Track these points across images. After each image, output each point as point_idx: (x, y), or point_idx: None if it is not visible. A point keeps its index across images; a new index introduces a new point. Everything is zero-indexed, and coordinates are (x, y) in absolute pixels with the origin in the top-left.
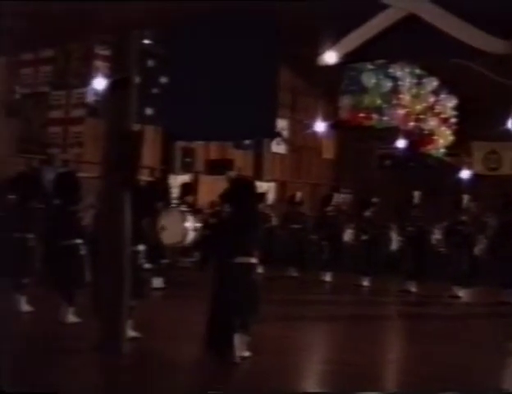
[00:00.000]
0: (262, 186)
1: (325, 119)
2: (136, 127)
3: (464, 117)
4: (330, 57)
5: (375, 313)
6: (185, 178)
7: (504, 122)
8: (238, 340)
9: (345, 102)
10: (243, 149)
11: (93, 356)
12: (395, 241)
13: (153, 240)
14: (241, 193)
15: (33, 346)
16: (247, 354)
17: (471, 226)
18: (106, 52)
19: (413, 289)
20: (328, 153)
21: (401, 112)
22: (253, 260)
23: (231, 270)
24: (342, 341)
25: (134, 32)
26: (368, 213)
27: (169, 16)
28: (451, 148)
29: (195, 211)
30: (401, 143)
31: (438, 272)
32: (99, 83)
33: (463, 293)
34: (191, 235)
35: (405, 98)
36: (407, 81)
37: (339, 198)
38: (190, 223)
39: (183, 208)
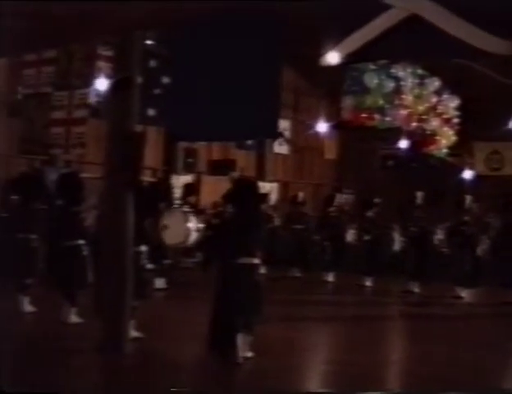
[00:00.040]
0: (264, 187)
1: (327, 119)
2: (138, 128)
3: (466, 118)
4: (332, 58)
5: (378, 314)
6: (187, 179)
7: (506, 123)
8: (241, 340)
9: (348, 102)
10: (245, 150)
11: (96, 357)
12: (397, 242)
13: (155, 241)
14: (244, 193)
15: (35, 347)
16: (249, 354)
17: (473, 227)
18: (108, 53)
19: (416, 289)
20: (330, 153)
21: (403, 112)
22: (256, 261)
23: (234, 271)
24: (345, 341)
25: (137, 33)
26: (370, 214)
27: (171, 17)
28: (453, 149)
29: (198, 211)
30: (403, 143)
31: (441, 273)
32: (102, 83)
33: (465, 293)
34: (194, 236)
35: (408, 98)
36: (409, 81)
37: (341, 198)
38: (193, 224)
39: (185, 208)
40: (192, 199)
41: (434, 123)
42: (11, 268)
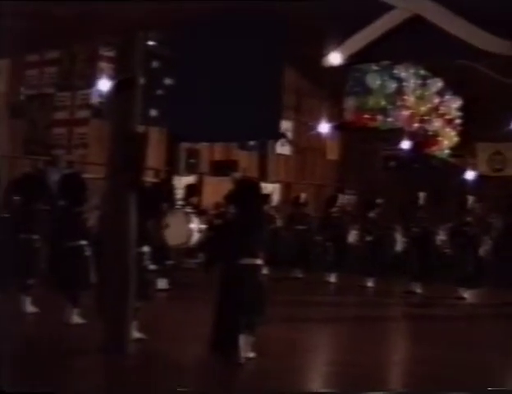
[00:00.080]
0: (266, 187)
1: (329, 120)
2: (141, 128)
3: (468, 118)
4: (334, 59)
5: (380, 315)
6: (189, 179)
7: (508, 123)
8: (243, 341)
9: (350, 103)
10: (247, 150)
11: (98, 357)
12: (399, 242)
13: (157, 242)
14: (246, 194)
15: (37, 347)
16: (252, 355)
17: (476, 228)
18: (110, 54)
19: (418, 290)
20: (333, 154)
21: (406, 113)
22: (259, 261)
23: (237, 271)
24: (347, 342)
25: (139, 33)
26: (372, 214)
27: (173, 18)
28: (456, 150)
29: (200, 212)
30: (406, 144)
31: (443, 274)
32: (104, 84)
33: (468, 294)
34: (196, 237)
35: (410, 99)
36: (411, 82)
37: (343, 199)
38: (195, 224)
39: (188, 209)
40: (194, 199)
41: (436, 124)
42: (14, 269)
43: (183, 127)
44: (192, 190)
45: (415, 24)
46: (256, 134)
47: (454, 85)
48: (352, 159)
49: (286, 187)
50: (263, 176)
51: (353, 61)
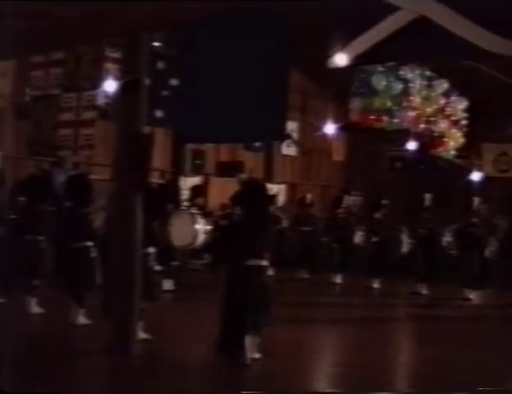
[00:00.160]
0: (272, 188)
1: (335, 121)
2: (147, 129)
3: (474, 119)
4: (340, 60)
5: (385, 316)
6: (195, 180)
7: None
8: (249, 342)
9: (356, 104)
10: (253, 151)
11: (104, 358)
12: (405, 243)
13: (163, 243)
14: (252, 195)
15: (43, 348)
16: (257, 355)
17: (482, 229)
18: (116, 55)
19: (424, 291)
20: (338, 155)
21: (412, 114)
22: (264, 262)
23: (242, 272)
24: (352, 343)
25: (145, 34)
26: (378, 215)
27: (178, 18)
28: (462, 151)
29: (206, 213)
30: (412, 145)
31: (449, 275)
32: (110, 85)
33: (473, 295)
34: (201, 238)
35: (416, 100)
36: (417, 83)
37: (349, 200)
38: (201, 225)
39: (193, 210)
40: (200, 200)
41: (442, 125)
42: (19, 270)
43: (189, 128)
44: (198, 191)
45: (421, 25)
46: (262, 135)
47: (459, 86)
48: (358, 160)
49: (292, 188)
50: (269, 177)
51: (359, 62)
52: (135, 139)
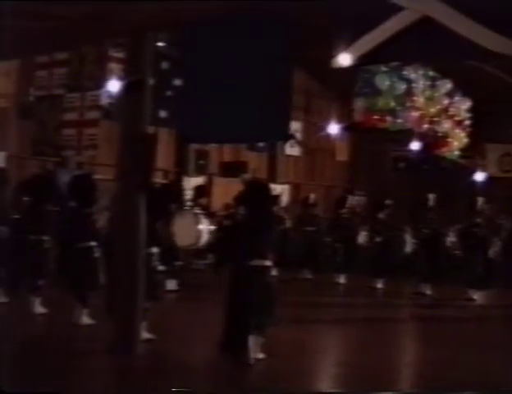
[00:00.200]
0: (276, 188)
1: (339, 121)
2: (150, 130)
3: (478, 119)
4: (344, 60)
5: (389, 316)
6: (198, 180)
7: None
8: (252, 342)
9: (359, 104)
10: (257, 152)
11: (107, 358)
12: (409, 244)
13: (166, 243)
14: (256, 195)
15: (47, 348)
16: (261, 356)
17: (485, 229)
18: (120, 55)
19: (428, 291)
20: (342, 155)
21: (415, 114)
22: (268, 263)
23: (246, 272)
24: (356, 343)
25: (148, 34)
26: (381, 215)
27: (182, 18)
28: (465, 151)
29: (209, 213)
30: (415, 145)
31: (452, 275)
32: (114, 85)
33: (477, 295)
34: (205, 238)
35: (419, 100)
36: (421, 83)
37: (353, 200)
38: (204, 225)
39: (197, 210)
40: (203, 200)
41: (446, 125)
42: (23, 270)
43: (192, 128)
44: (201, 191)
45: (424, 25)
46: (265, 135)
47: (463, 86)
48: (361, 160)
49: (295, 188)
50: (273, 177)
51: (362, 62)
52: (139, 140)
